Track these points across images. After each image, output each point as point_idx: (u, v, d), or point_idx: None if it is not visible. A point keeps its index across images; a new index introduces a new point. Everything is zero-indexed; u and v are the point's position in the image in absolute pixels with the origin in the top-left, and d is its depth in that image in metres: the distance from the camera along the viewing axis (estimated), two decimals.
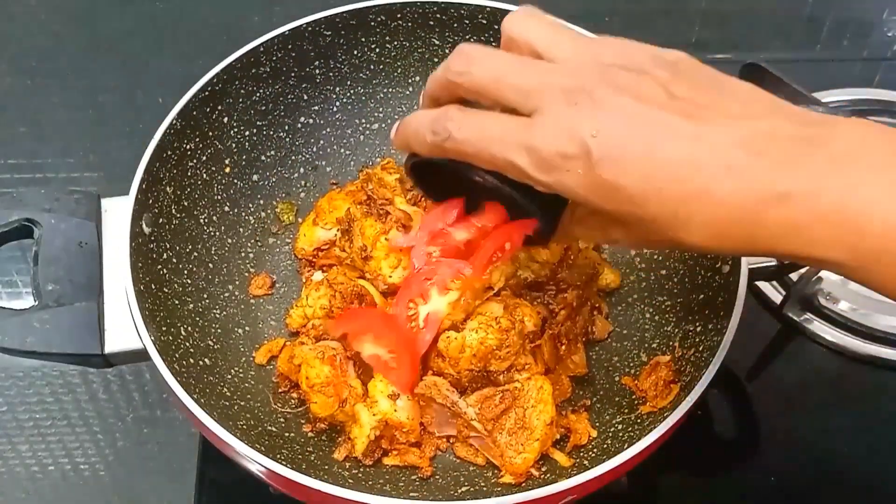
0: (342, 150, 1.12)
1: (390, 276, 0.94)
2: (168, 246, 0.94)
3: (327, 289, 0.94)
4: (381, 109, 1.12)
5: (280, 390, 0.94)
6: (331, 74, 1.09)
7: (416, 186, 0.80)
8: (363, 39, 1.07)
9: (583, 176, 0.59)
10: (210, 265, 0.99)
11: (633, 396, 0.92)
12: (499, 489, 0.86)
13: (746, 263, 0.86)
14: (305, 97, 1.09)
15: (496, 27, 1.05)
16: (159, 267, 0.92)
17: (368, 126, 1.13)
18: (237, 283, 1.02)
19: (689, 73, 0.61)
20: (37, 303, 0.83)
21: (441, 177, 0.74)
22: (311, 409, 0.89)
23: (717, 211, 0.57)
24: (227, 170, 1.03)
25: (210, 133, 1.00)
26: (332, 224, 1.01)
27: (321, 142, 1.11)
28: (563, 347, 0.95)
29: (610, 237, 0.69)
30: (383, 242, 0.94)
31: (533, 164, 0.60)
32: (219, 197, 1.02)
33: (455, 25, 1.06)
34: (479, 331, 0.88)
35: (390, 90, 1.12)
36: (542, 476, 0.86)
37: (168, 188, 0.94)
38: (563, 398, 0.94)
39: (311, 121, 1.10)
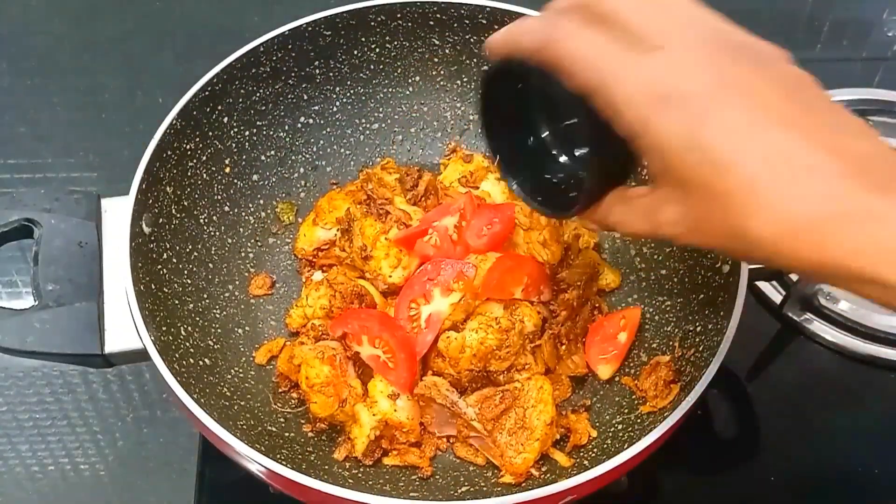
0: (342, 150, 1.12)
1: (390, 276, 0.94)
2: (168, 246, 0.94)
3: (327, 289, 0.94)
4: (381, 109, 1.12)
5: (280, 390, 0.94)
6: (331, 74, 1.09)
7: (481, 98, 0.74)
8: (363, 39, 1.07)
9: (674, 123, 0.56)
10: (210, 265, 0.99)
11: (633, 396, 0.92)
12: (499, 489, 0.86)
13: (746, 264, 0.86)
14: (305, 97, 1.09)
15: (496, 27, 1.05)
16: (159, 267, 0.92)
17: (368, 126, 1.13)
18: (237, 283, 1.02)
19: (802, 83, 0.59)
20: (37, 303, 0.83)
21: (506, 100, 0.72)
22: (311, 409, 0.89)
23: (799, 207, 0.53)
24: (227, 170, 1.03)
25: (210, 133, 1.00)
26: (332, 224, 1.01)
27: (321, 142, 1.11)
28: (564, 347, 0.95)
29: (657, 221, 0.62)
30: (383, 242, 0.94)
31: (629, 95, 0.57)
32: (219, 197, 1.02)
33: (455, 25, 1.06)
34: (479, 331, 0.88)
35: (390, 90, 1.12)
36: (542, 476, 0.86)
37: (168, 188, 0.94)
38: (563, 398, 0.94)
39: (311, 121, 1.10)
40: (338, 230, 1.00)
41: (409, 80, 1.12)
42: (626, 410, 0.91)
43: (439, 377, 0.90)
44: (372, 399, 0.88)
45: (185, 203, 0.97)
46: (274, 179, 1.08)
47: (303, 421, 0.92)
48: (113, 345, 0.83)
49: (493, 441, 0.87)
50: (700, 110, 0.56)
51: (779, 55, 0.60)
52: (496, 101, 0.73)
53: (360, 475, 0.88)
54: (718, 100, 0.56)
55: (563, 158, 0.75)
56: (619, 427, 0.89)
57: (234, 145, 1.04)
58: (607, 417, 0.92)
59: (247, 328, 0.99)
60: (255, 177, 1.06)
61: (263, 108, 1.05)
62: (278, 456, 0.83)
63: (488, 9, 1.04)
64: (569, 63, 0.61)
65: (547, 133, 0.76)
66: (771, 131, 0.55)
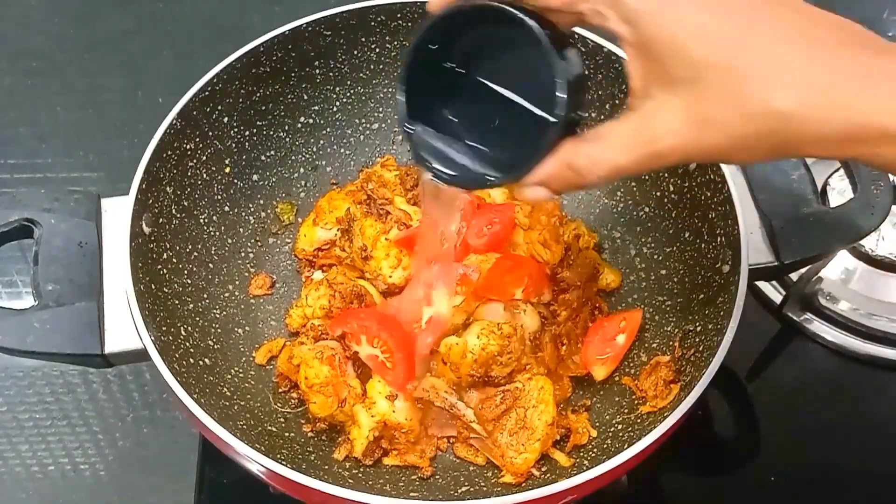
0: (342, 150, 1.12)
1: (390, 276, 0.94)
2: (168, 246, 0.94)
3: (327, 289, 0.94)
4: (381, 109, 1.12)
5: (280, 390, 0.94)
6: (331, 74, 1.09)
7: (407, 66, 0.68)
8: (363, 39, 1.07)
9: (685, 6, 0.56)
10: (210, 265, 0.99)
11: (633, 396, 0.92)
12: (499, 489, 0.86)
13: (746, 263, 0.86)
14: (305, 97, 1.09)
15: None
16: (159, 267, 0.92)
17: (368, 126, 1.13)
18: (237, 283, 1.02)
19: None
20: (37, 303, 0.83)
21: (432, 68, 0.67)
22: (311, 410, 0.89)
23: (820, 73, 0.54)
24: (227, 170, 1.03)
25: (210, 133, 1.00)
26: (333, 224, 1.01)
27: (321, 142, 1.11)
28: (564, 348, 0.95)
29: (650, 136, 0.59)
30: (384, 242, 0.94)
31: None
32: (219, 197, 1.02)
33: None
34: (480, 336, 0.88)
35: (390, 90, 1.12)
36: (542, 476, 0.86)
37: (168, 188, 0.94)
38: (563, 398, 0.94)
39: (311, 121, 1.10)
40: (338, 230, 1.00)
41: None
42: (626, 410, 0.91)
43: (438, 379, 0.90)
44: (370, 400, 0.88)
45: (185, 203, 0.97)
46: (274, 179, 1.08)
47: (303, 421, 0.92)
48: (113, 345, 0.83)
49: (494, 442, 0.87)
50: None
51: None
52: (422, 67, 0.68)
53: (360, 475, 0.88)
54: None
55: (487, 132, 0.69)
56: (619, 427, 0.89)
57: (234, 145, 1.04)
58: (607, 417, 0.92)
59: (247, 328, 0.99)
60: (255, 177, 1.06)
61: (263, 108, 1.05)
62: (278, 456, 0.83)
63: None
64: None
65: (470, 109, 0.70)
66: (780, 9, 0.55)
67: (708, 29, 0.55)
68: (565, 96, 0.61)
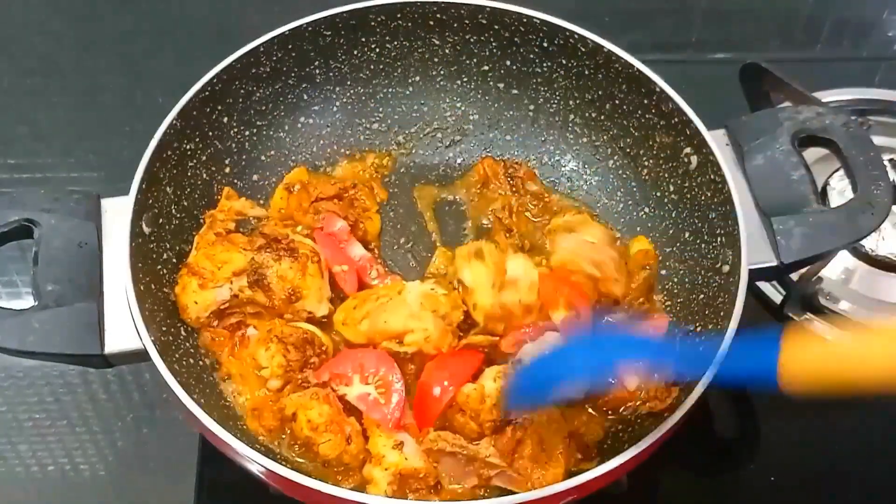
0: (342, 150, 1.12)
1: (319, 311, 0.93)
2: (168, 246, 0.94)
3: (277, 344, 0.90)
4: (381, 109, 1.12)
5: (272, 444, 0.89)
6: (331, 74, 1.09)
7: None
8: (363, 39, 1.07)
9: None
10: None
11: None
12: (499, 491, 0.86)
13: (746, 264, 0.86)
14: (305, 97, 1.09)
15: (496, 27, 1.06)
16: (159, 267, 0.92)
17: (368, 126, 1.12)
18: None
19: None
20: (37, 303, 0.83)
21: None
22: (321, 452, 0.85)
23: None
24: (227, 170, 1.03)
25: (210, 133, 1.00)
26: (226, 280, 0.91)
27: (321, 142, 1.11)
28: None
29: None
30: (308, 280, 0.92)
31: None
32: (219, 197, 1.02)
33: (455, 25, 1.06)
34: (496, 380, 0.86)
35: (390, 90, 1.12)
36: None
37: (168, 188, 0.94)
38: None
39: (311, 121, 1.10)
40: (236, 286, 0.92)
41: (409, 80, 1.11)
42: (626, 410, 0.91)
43: (443, 430, 0.87)
44: (378, 456, 0.85)
45: (185, 203, 0.97)
46: (274, 179, 1.08)
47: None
48: (113, 345, 0.83)
49: (517, 471, 0.85)
50: None
51: None
52: None
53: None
54: None
55: None
56: (620, 427, 0.89)
57: (234, 145, 1.04)
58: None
59: None
60: (254, 177, 1.06)
61: (263, 108, 1.05)
62: (278, 456, 0.83)
63: (488, 9, 1.04)
64: None
65: None
66: None
67: None
68: None
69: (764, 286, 1.10)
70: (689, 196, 0.97)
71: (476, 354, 0.91)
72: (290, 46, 1.03)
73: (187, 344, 0.90)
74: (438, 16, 1.06)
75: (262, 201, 1.06)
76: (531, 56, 1.06)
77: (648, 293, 0.98)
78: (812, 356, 0.69)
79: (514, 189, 1.06)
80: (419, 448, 0.86)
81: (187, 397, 0.78)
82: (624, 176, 1.06)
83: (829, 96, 1.24)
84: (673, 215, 0.99)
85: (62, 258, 0.86)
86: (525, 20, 1.03)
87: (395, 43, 1.08)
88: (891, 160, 1.07)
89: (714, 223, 0.92)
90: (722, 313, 0.85)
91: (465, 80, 1.11)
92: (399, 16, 1.06)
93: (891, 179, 0.92)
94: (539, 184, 1.08)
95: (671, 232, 0.99)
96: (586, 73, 1.04)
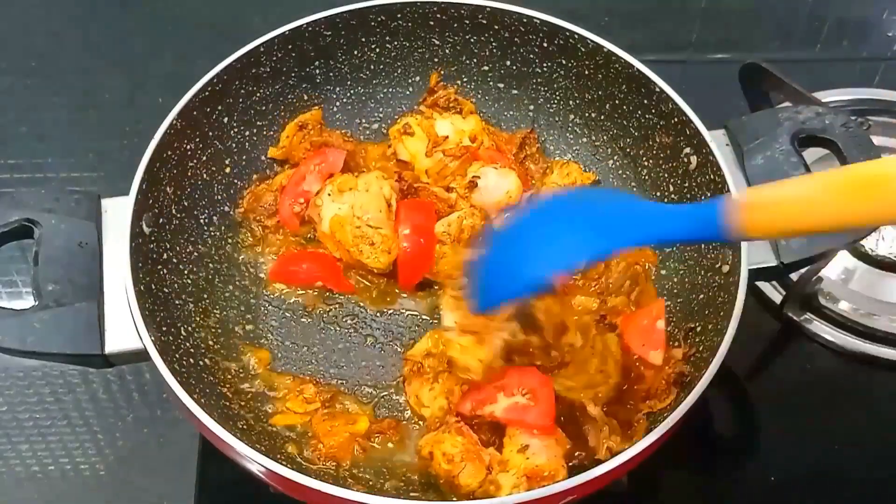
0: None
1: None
2: (168, 246, 0.94)
3: (443, 383, 0.91)
4: (381, 109, 1.12)
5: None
6: (331, 74, 1.09)
7: None
8: (363, 39, 1.07)
9: None
10: (210, 265, 0.99)
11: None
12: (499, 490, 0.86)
13: (746, 264, 0.86)
14: (305, 97, 1.09)
15: (496, 27, 1.06)
16: (159, 267, 0.92)
17: (368, 126, 1.13)
18: (237, 282, 1.01)
19: None
20: (37, 303, 0.83)
21: None
22: (461, 483, 0.84)
23: None
24: (227, 170, 1.03)
25: (210, 133, 1.00)
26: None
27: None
28: None
29: None
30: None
31: None
32: (219, 197, 1.02)
33: (455, 25, 1.06)
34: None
35: (390, 90, 1.12)
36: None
37: (168, 188, 0.94)
38: None
39: None
40: None
41: (409, 80, 1.12)
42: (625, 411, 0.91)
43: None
44: (504, 462, 0.85)
45: (185, 203, 0.97)
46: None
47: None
48: (113, 345, 0.83)
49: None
50: None
51: None
52: None
53: (359, 475, 0.88)
54: None
55: None
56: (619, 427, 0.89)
57: (234, 145, 1.04)
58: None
59: (247, 328, 0.99)
60: (254, 177, 1.06)
61: (263, 108, 1.05)
62: (278, 456, 0.83)
63: (488, 9, 1.04)
64: None
65: None
66: None
67: None
68: None
69: (764, 286, 1.10)
70: (689, 196, 0.97)
71: (429, 205, 1.01)
72: (290, 46, 1.03)
73: (187, 344, 0.90)
74: (438, 16, 1.06)
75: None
76: (531, 56, 1.07)
77: (635, 279, 0.99)
78: (765, 200, 0.69)
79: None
80: (545, 446, 0.85)
81: (187, 397, 0.78)
82: (624, 176, 1.06)
83: (828, 96, 1.24)
84: None
85: (62, 258, 0.86)
86: (525, 20, 1.03)
87: (395, 43, 1.08)
88: None
89: None
90: (722, 313, 0.85)
91: (465, 79, 1.11)
92: (399, 16, 1.06)
93: None
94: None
95: None
96: (586, 73, 1.04)
